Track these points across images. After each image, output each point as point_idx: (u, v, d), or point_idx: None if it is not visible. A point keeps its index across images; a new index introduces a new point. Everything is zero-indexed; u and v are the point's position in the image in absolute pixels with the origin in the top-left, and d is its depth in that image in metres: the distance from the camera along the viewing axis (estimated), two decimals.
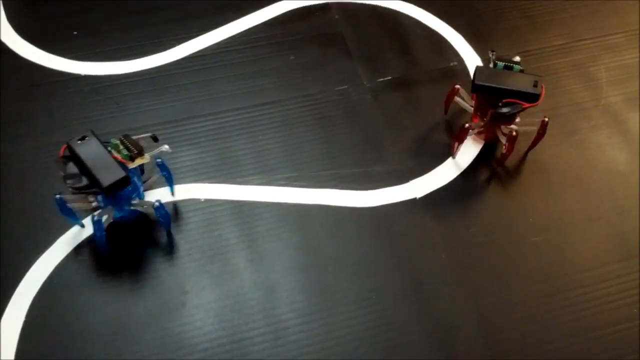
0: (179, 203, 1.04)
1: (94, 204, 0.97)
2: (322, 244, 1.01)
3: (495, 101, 1.03)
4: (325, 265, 0.99)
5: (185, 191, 1.05)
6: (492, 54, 1.06)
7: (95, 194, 0.94)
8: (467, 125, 1.05)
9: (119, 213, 0.99)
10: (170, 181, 1.02)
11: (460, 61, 1.24)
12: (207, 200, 1.05)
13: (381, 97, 1.19)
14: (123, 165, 0.92)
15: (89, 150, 0.92)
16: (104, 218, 0.96)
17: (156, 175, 1.01)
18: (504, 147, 1.07)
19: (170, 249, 1.00)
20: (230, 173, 1.08)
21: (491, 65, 1.06)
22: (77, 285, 0.96)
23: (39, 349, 0.90)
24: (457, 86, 1.10)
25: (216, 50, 1.25)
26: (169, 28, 1.27)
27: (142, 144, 0.95)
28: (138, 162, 0.94)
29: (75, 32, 1.26)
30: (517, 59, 1.06)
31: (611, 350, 0.92)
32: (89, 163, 0.91)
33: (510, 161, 1.10)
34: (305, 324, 0.93)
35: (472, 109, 1.10)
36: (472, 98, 1.10)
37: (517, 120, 1.08)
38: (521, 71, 1.04)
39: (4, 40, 1.25)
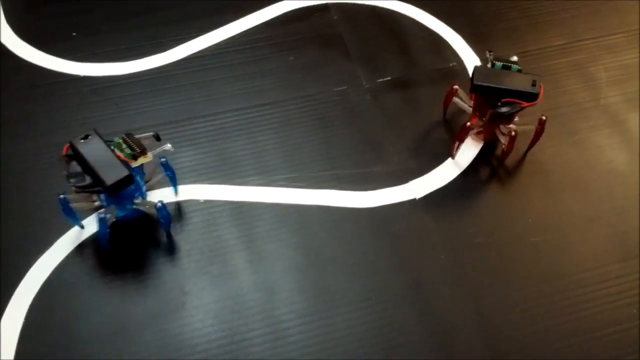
0: (178, 204, 1.04)
1: (97, 203, 0.97)
2: (322, 244, 1.01)
3: (494, 101, 1.03)
4: (324, 265, 0.99)
5: (185, 192, 1.05)
6: (490, 54, 1.06)
7: (98, 192, 0.94)
8: (468, 123, 1.06)
9: (121, 212, 0.99)
10: (173, 181, 1.02)
11: (460, 62, 1.24)
12: (206, 201, 1.05)
13: (380, 97, 1.19)
14: (126, 164, 0.92)
15: (92, 149, 0.92)
16: (108, 216, 0.96)
17: (160, 175, 1.01)
18: (503, 145, 1.07)
19: (169, 249, 1.00)
20: (229, 174, 1.08)
21: (489, 65, 1.06)
22: (77, 285, 0.96)
23: (39, 349, 0.90)
24: (456, 86, 1.10)
25: (216, 51, 1.25)
26: (168, 29, 1.27)
27: (145, 142, 0.95)
28: (141, 160, 0.94)
29: (74, 33, 1.26)
30: (515, 58, 1.06)
31: (611, 351, 0.92)
32: (92, 162, 0.91)
33: (510, 162, 1.10)
34: (304, 325, 0.93)
35: (471, 109, 1.10)
36: (470, 98, 1.10)
37: (516, 119, 1.08)
38: (519, 71, 1.04)
39: (3, 41, 1.25)
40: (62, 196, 0.94)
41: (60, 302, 0.94)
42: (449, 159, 1.11)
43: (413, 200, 1.06)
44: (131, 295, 0.95)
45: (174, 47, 1.25)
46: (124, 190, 0.93)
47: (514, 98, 1.02)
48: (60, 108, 1.15)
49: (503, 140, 1.08)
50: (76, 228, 1.00)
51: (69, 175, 0.92)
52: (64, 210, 0.95)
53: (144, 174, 0.99)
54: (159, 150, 0.97)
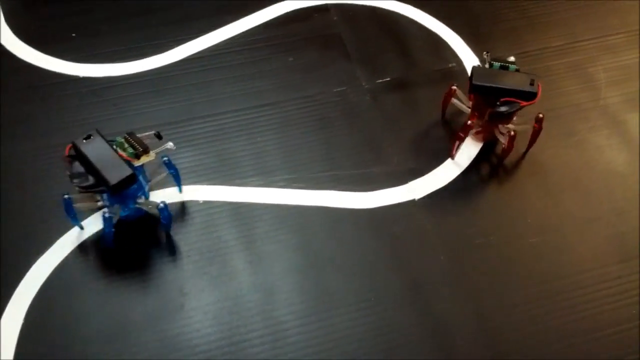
0: (178, 205, 1.04)
1: (100, 203, 0.98)
2: (321, 245, 1.01)
3: (493, 101, 1.03)
4: (324, 266, 0.99)
5: (184, 193, 1.05)
6: (487, 55, 1.06)
7: (101, 192, 0.94)
8: (469, 122, 1.06)
9: (124, 212, 0.99)
10: (177, 179, 1.03)
11: (459, 62, 1.24)
12: (205, 202, 1.05)
13: (380, 98, 1.19)
14: (129, 163, 0.92)
15: (95, 149, 0.92)
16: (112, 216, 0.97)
17: (163, 174, 1.01)
18: (503, 145, 1.07)
19: (169, 250, 1.00)
20: (229, 175, 1.08)
21: (486, 65, 1.06)
22: (76, 286, 0.95)
23: (38, 349, 0.90)
24: (454, 87, 1.10)
25: (215, 52, 1.25)
26: (167, 30, 1.27)
27: (146, 142, 0.95)
28: (144, 159, 0.94)
29: (73, 34, 1.26)
30: (512, 58, 1.06)
31: (611, 351, 0.92)
32: (96, 162, 0.91)
33: (509, 162, 1.10)
34: (304, 326, 0.93)
35: (469, 109, 1.10)
36: (469, 99, 1.10)
37: (514, 119, 1.08)
38: (517, 70, 1.05)
39: (2, 42, 1.25)
40: (66, 196, 0.94)
41: (60, 302, 0.94)
42: (449, 160, 1.11)
43: (412, 201, 1.06)
44: (130, 295, 0.95)
45: (174, 48, 1.25)
46: (127, 189, 0.93)
47: (512, 97, 1.02)
48: (60, 109, 1.15)
49: (502, 139, 1.08)
50: (76, 228, 1.00)
51: (72, 176, 0.92)
52: (66, 210, 0.95)
53: (145, 171, 0.99)
54: (161, 148, 0.97)
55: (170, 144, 0.98)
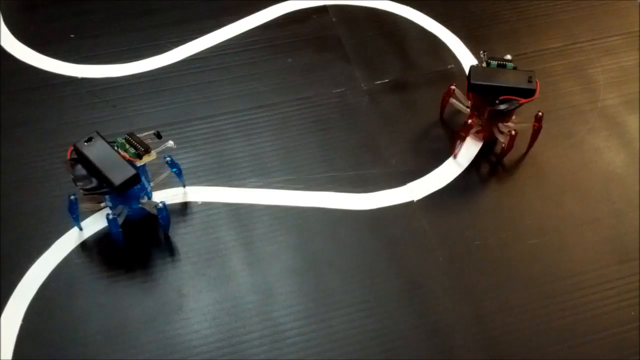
0: (176, 206, 1.04)
1: (103, 204, 0.98)
2: (320, 246, 1.01)
3: (491, 99, 1.04)
4: (322, 268, 0.98)
5: (183, 194, 1.05)
6: (484, 54, 1.07)
7: (105, 194, 0.95)
8: (470, 120, 1.06)
9: (128, 212, 0.99)
10: (180, 176, 1.03)
11: (457, 63, 1.24)
12: (204, 203, 1.05)
13: (378, 99, 1.19)
14: (131, 163, 0.92)
15: (97, 150, 0.92)
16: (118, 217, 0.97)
17: (166, 172, 1.01)
18: (503, 144, 1.07)
19: (167, 252, 1.00)
20: (227, 176, 1.08)
21: (484, 65, 1.06)
22: (75, 286, 0.95)
23: (37, 350, 0.90)
24: (453, 87, 1.11)
25: (213, 53, 1.25)
26: (166, 31, 1.27)
27: (146, 142, 0.95)
28: (146, 159, 0.94)
29: (72, 35, 1.26)
30: (509, 57, 1.06)
31: (610, 353, 0.92)
32: (99, 163, 0.91)
33: (508, 164, 1.10)
34: (302, 327, 0.93)
35: (468, 109, 1.10)
36: (467, 98, 1.10)
37: (513, 118, 1.08)
38: (514, 69, 1.05)
39: (2, 44, 1.25)
40: (73, 197, 0.94)
41: (59, 302, 0.94)
42: (448, 160, 1.10)
43: (411, 202, 1.06)
44: (129, 296, 0.95)
45: (172, 49, 1.25)
46: (131, 189, 0.93)
47: (511, 95, 1.02)
48: (59, 110, 1.15)
49: (502, 139, 1.08)
50: (75, 229, 1.00)
51: (76, 179, 0.93)
52: (70, 211, 0.96)
53: (147, 172, 0.99)
54: (162, 148, 0.97)
55: (170, 143, 0.98)
